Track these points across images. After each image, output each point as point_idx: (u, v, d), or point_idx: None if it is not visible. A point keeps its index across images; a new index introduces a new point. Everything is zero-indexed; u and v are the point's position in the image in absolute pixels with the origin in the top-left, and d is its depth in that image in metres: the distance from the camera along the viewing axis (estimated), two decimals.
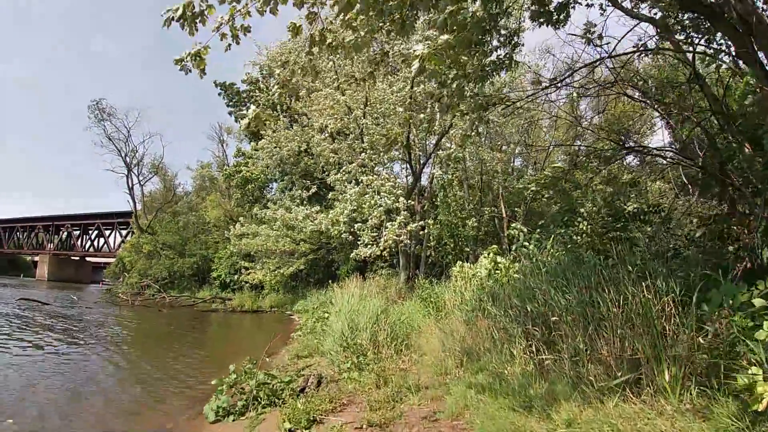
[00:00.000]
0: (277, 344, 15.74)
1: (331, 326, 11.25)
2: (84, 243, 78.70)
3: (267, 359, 11.12)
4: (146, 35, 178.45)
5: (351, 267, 28.56)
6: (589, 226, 11.22)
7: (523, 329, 7.14)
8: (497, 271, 12.48)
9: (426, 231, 19.53)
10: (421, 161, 22.20)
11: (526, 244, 12.19)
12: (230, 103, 41.97)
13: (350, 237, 19.42)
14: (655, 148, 11.73)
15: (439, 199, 21.48)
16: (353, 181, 20.52)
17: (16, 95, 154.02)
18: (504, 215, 28.01)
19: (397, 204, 18.18)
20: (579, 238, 11.07)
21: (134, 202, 50.84)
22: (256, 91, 35.19)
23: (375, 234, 18.64)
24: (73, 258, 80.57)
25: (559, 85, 9.41)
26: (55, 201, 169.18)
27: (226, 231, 32.44)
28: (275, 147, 29.38)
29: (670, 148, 11.50)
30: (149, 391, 10.04)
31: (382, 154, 19.76)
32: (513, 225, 11.53)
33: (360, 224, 18.72)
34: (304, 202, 27.76)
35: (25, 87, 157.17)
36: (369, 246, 18.22)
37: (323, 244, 30.06)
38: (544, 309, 7.11)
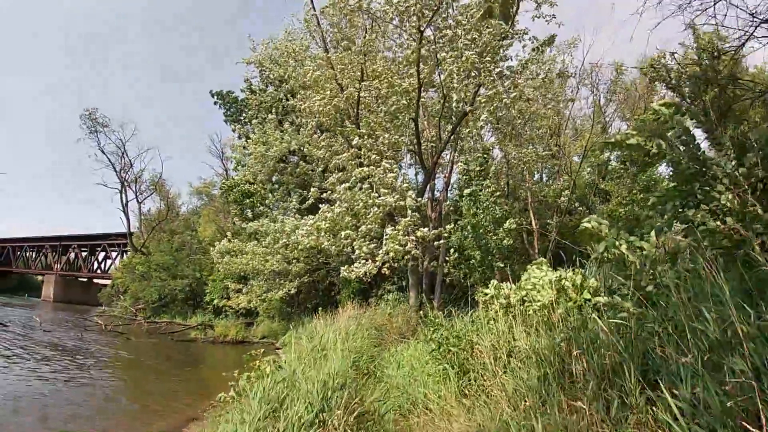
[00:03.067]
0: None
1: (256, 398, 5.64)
2: (91, 264, 74.00)
3: None
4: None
5: (353, 291, 23.13)
6: (736, 199, 5.60)
7: None
8: (567, 296, 6.90)
9: (443, 241, 13.82)
10: (434, 155, 16.62)
11: (618, 243, 6.66)
12: (227, 113, 37.26)
13: (332, 249, 13.91)
14: None
15: (463, 195, 15.38)
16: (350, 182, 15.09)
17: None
18: (534, 228, 22.81)
19: (402, 202, 12.46)
20: (715, 222, 5.45)
21: (128, 220, 45.96)
22: (248, 90, 30.30)
23: (374, 246, 13.02)
24: (80, 279, 75.94)
25: None
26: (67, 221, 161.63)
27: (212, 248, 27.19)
28: (265, 149, 24.16)
29: None
30: None
31: (382, 141, 14.25)
32: (589, 219, 5.58)
33: (348, 231, 12.98)
34: (294, 213, 22.49)
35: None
36: (364, 262, 12.56)
37: (321, 264, 24.61)
38: None
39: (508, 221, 14.60)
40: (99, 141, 44.69)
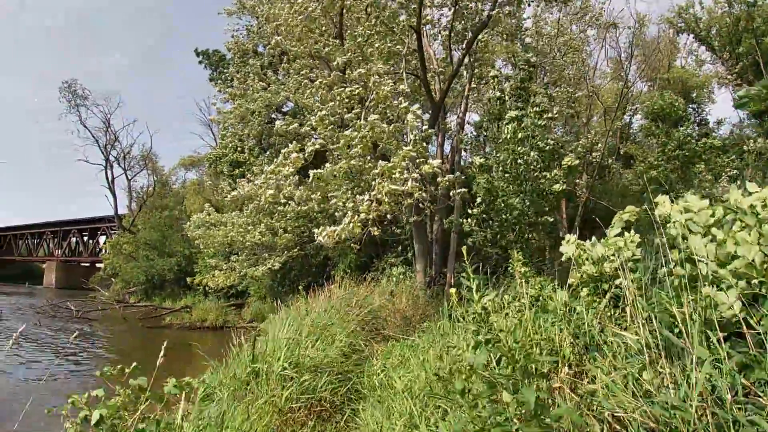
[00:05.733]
0: None
1: None
2: (93, 248, 70.12)
3: None
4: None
5: (350, 265, 19.11)
6: None
7: None
8: None
9: (464, 190, 9.33)
10: (443, 82, 12.15)
11: None
12: (214, 74, 32.75)
13: (297, 198, 9.66)
14: None
15: (506, 120, 10.03)
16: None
17: None
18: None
19: (399, 128, 7.88)
20: None
21: (115, 198, 41.94)
22: (234, 44, 25.76)
23: (361, 197, 8.67)
24: (83, 264, 72.28)
25: None
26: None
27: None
28: (246, 102, 19.70)
29: None
30: None
31: (372, 51, 9.87)
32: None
33: (321, 172, 8.42)
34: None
35: None
36: (346, 217, 8.17)
37: (312, 235, 20.40)
38: None
39: (568, 157, 10.13)
40: (80, 115, 40.35)
